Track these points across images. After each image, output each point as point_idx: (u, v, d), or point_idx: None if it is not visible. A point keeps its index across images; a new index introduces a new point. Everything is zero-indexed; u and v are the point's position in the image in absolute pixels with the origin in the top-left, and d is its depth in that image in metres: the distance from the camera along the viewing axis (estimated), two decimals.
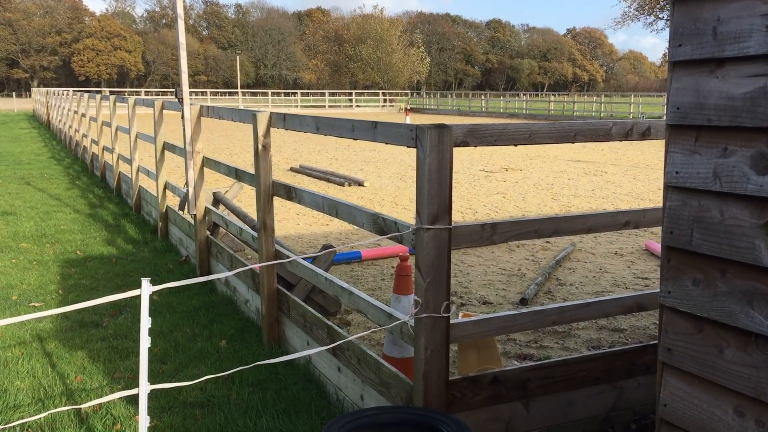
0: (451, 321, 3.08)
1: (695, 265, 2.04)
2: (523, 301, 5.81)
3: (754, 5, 1.81)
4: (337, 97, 64.09)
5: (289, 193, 4.44)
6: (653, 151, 20.31)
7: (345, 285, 3.78)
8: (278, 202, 10.18)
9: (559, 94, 63.21)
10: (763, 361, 1.87)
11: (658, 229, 8.43)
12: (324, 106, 58.52)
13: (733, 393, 1.96)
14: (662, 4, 47.48)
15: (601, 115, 43.74)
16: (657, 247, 7.68)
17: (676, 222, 2.09)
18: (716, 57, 1.92)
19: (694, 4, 1.97)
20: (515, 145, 3.17)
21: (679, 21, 2.02)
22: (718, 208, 1.95)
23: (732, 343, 1.95)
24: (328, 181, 13.73)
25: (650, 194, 12.21)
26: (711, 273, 1.99)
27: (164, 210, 8.32)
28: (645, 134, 3.48)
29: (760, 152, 1.83)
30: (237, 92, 62.63)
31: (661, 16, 49.17)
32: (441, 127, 2.88)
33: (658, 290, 2.24)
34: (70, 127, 20.70)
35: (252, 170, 4.95)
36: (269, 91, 63.10)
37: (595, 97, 56.20)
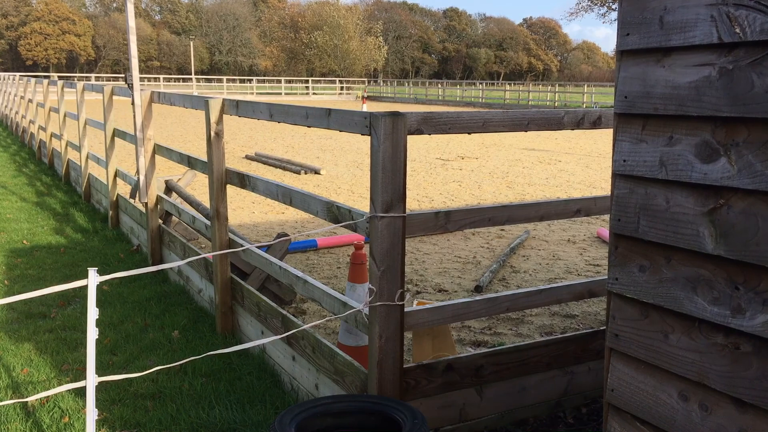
0: (406, 309, 3.08)
1: (642, 252, 2.07)
2: (478, 289, 5.86)
3: None
4: (294, 85, 63.59)
5: (243, 181, 4.38)
6: (606, 140, 20.67)
7: (299, 274, 3.76)
8: (234, 191, 10.05)
9: (514, 83, 63.77)
10: (706, 346, 1.92)
11: (608, 217, 8.60)
12: (280, 94, 57.95)
13: (677, 377, 2.00)
14: None
15: (556, 104, 44.33)
16: (608, 234, 7.84)
17: (623, 210, 2.12)
18: (663, 46, 1.95)
19: None
20: (469, 133, 3.18)
21: (627, 10, 2.04)
22: (664, 196, 1.98)
23: (677, 328, 1.99)
24: (284, 169, 13.62)
25: (602, 182, 12.44)
26: (657, 260, 2.03)
27: (115, 198, 8.14)
28: (596, 123, 3.53)
29: (704, 141, 1.86)
30: (191, 78, 61.57)
31: (613, 7, 49.98)
32: (395, 114, 2.86)
33: None
34: (17, 113, 20.08)
35: (205, 158, 4.87)
36: (224, 78, 62.22)
37: (549, 87, 56.90)
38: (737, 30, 1.74)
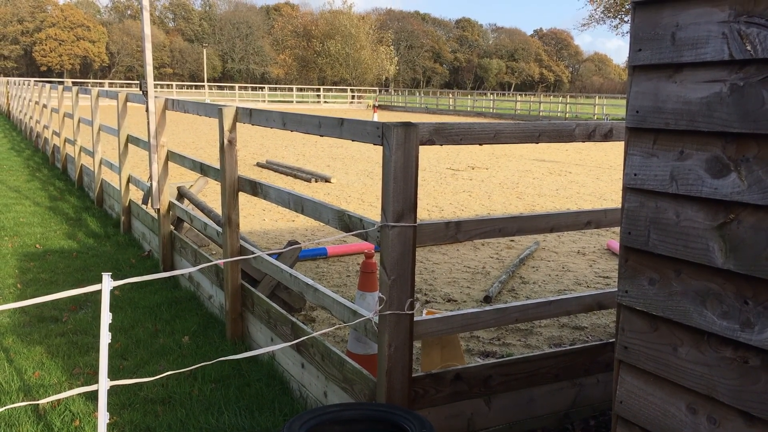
0: (415, 318, 3.10)
1: (652, 265, 2.08)
2: (487, 299, 5.87)
3: (712, 12, 1.86)
4: (305, 93, 63.84)
5: (255, 188, 4.42)
6: (617, 152, 20.63)
7: (310, 281, 3.78)
8: (244, 198, 10.11)
9: (525, 94, 63.78)
10: (715, 359, 1.93)
11: (619, 229, 8.57)
12: (291, 102, 58.19)
13: (686, 390, 2.01)
14: (627, 7, 48.28)
15: (567, 115, 44.29)
16: (618, 246, 7.83)
17: (633, 223, 2.13)
18: (675, 62, 1.97)
19: (653, 9, 2.02)
20: (480, 145, 3.20)
21: (640, 26, 2.06)
22: (675, 210, 2.00)
23: (686, 341, 2.00)
24: (295, 177, 13.68)
25: (613, 194, 12.42)
26: (666, 273, 2.04)
27: (127, 204, 8.20)
28: (607, 136, 3.54)
29: (714, 156, 1.88)
30: (203, 86, 61.93)
31: (626, 19, 50.00)
32: (407, 125, 2.89)
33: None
34: (31, 118, 20.27)
35: (217, 165, 4.91)
36: (236, 85, 62.54)
37: (560, 98, 56.88)
38: (748, 47, 1.76)
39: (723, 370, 1.90)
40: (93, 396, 3.71)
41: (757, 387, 1.82)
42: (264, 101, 57.26)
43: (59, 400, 3.75)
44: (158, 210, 6.39)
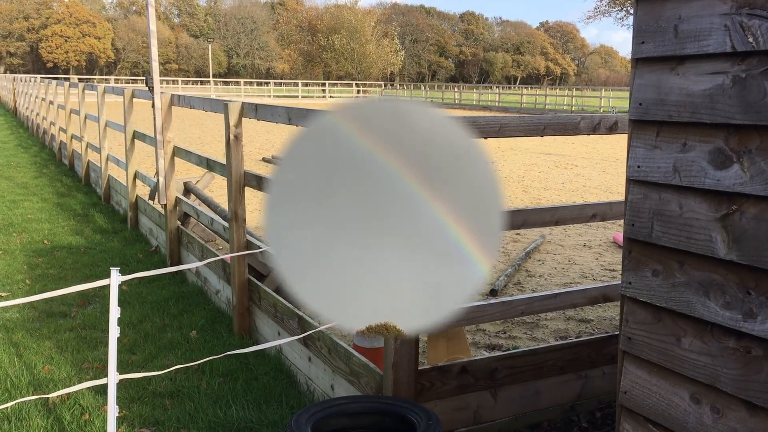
0: None
1: (655, 257, 2.10)
2: (493, 292, 5.88)
3: (714, 5, 1.87)
4: (311, 88, 63.81)
5: (261, 183, 4.44)
6: (623, 145, 20.55)
7: None
8: (250, 193, 10.11)
9: (531, 87, 63.61)
10: (718, 349, 1.94)
11: None
12: (297, 96, 58.17)
13: (689, 380, 2.03)
14: None
15: (573, 108, 44.14)
16: None
17: (637, 215, 2.14)
18: (677, 54, 1.97)
19: (656, 2, 2.02)
20: (485, 138, 3.21)
21: (642, 19, 2.07)
22: (678, 202, 2.01)
23: (689, 332, 2.02)
24: None
25: (619, 187, 12.39)
26: (670, 264, 2.05)
27: (134, 200, 8.24)
28: (612, 128, 3.54)
29: (717, 148, 1.89)
30: (209, 81, 62.00)
31: (632, 11, 49.79)
32: None
33: None
34: (38, 114, 20.35)
35: (223, 160, 4.94)
36: (242, 81, 62.57)
37: (566, 91, 56.69)
38: (750, 39, 1.77)
39: (726, 360, 1.92)
40: (102, 390, 3.74)
41: (759, 377, 1.83)
42: (269, 96, 57.26)
43: (69, 394, 3.79)
44: (165, 205, 6.42)
